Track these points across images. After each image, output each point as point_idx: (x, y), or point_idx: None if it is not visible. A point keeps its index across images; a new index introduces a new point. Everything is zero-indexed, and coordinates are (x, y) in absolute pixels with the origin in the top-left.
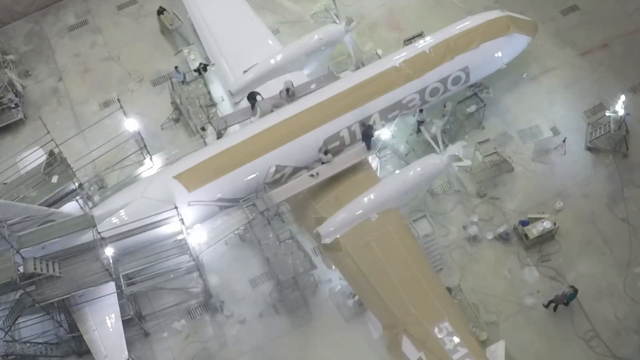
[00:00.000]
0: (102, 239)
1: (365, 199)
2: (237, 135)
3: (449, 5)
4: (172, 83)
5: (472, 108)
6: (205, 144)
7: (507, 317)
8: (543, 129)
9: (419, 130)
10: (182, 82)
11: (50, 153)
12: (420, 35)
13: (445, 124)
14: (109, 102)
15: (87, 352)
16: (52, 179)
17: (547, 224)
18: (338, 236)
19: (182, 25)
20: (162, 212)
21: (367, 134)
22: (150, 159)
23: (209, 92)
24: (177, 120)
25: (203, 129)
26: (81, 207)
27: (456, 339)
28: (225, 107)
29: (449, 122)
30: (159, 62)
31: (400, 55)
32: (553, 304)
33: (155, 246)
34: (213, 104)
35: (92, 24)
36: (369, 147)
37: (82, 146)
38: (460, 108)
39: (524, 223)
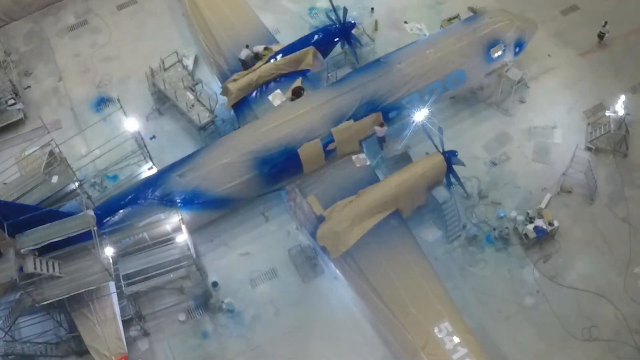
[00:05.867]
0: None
1: (366, 200)
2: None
3: (449, 4)
4: (151, 70)
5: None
6: (199, 121)
7: (507, 317)
8: (554, 132)
9: None
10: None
11: (50, 153)
12: (457, 17)
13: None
14: (109, 102)
15: (87, 352)
16: (52, 179)
17: (546, 225)
18: None
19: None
20: (162, 212)
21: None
22: (150, 159)
23: (189, 74)
24: (161, 113)
25: (193, 105)
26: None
27: (456, 339)
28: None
29: None
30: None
31: (402, 56)
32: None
33: (156, 246)
34: (198, 82)
35: (92, 24)
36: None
37: (82, 146)
38: None
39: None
